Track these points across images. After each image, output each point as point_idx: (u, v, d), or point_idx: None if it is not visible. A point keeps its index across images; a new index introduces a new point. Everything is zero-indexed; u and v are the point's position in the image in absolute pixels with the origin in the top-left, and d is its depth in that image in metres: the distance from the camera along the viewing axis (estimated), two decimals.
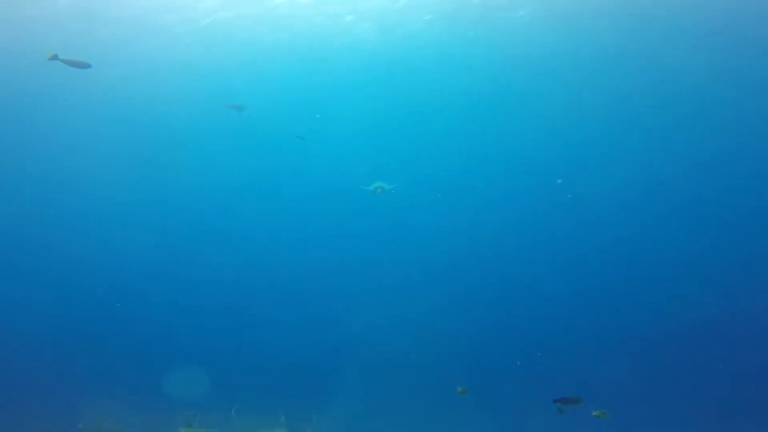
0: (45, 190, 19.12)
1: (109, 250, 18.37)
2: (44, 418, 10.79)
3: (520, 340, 16.77)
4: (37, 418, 10.86)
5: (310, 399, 13.58)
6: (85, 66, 8.43)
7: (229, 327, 17.51)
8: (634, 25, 15.44)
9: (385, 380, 14.83)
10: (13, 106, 18.39)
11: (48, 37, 14.64)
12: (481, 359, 16.23)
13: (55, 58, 8.16)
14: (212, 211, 20.57)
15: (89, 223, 19.07)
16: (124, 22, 14.56)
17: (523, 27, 15.73)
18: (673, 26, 15.25)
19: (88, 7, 13.85)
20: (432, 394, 14.06)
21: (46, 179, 19.03)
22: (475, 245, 19.19)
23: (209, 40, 15.60)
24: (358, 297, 17.75)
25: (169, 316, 17.68)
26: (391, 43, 16.49)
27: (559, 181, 18.96)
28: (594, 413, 8.27)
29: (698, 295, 15.84)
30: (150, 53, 16.12)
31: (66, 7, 13.77)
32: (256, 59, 17.08)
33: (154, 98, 17.60)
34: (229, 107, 14.00)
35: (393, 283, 18.09)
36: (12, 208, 18.57)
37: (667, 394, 14.81)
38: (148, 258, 18.54)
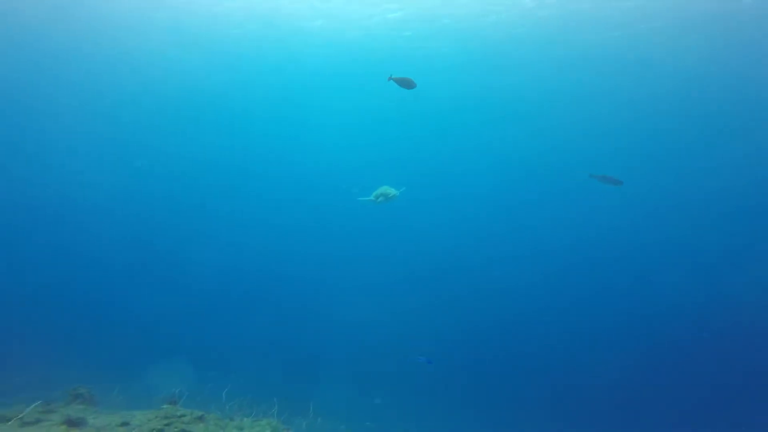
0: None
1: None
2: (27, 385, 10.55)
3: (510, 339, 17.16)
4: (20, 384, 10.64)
5: (308, 391, 13.18)
6: (412, 86, 8.57)
7: (229, 315, 17.50)
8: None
9: (385, 376, 14.55)
10: None
11: None
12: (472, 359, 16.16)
13: (391, 78, 8.63)
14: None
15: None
16: None
17: None
18: None
19: None
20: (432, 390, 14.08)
21: None
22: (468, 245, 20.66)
23: None
24: (361, 293, 17.83)
25: (171, 304, 17.87)
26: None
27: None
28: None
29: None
30: None
31: None
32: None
33: None
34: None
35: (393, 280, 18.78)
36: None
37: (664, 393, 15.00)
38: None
